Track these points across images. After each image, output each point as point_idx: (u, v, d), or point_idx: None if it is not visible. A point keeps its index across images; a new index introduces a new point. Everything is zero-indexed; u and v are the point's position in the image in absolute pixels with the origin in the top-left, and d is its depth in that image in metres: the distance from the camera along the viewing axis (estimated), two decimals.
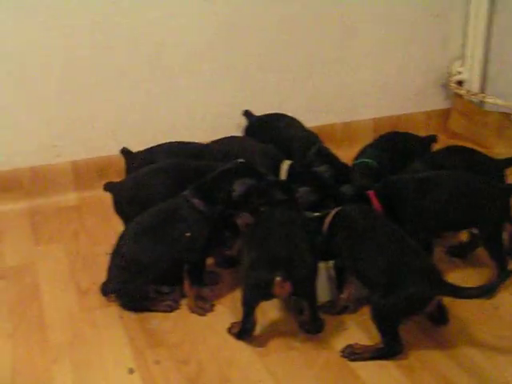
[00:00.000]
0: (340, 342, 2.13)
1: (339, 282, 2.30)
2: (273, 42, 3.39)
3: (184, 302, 2.34)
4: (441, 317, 2.19)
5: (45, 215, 3.04)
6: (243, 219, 2.37)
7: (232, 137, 3.07)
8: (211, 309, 2.31)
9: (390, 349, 2.06)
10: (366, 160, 2.79)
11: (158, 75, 3.23)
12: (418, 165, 2.66)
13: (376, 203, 2.37)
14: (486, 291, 2.05)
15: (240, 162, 2.37)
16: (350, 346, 2.10)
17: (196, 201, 2.27)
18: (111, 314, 2.31)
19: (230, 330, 2.19)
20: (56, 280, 2.53)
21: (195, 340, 2.18)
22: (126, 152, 2.80)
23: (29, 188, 3.14)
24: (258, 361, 2.07)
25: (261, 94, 3.44)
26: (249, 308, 2.10)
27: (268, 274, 2.01)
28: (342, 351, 2.09)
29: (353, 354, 2.08)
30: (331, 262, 2.29)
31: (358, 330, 2.18)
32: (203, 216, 2.26)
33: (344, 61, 3.59)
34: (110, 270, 2.32)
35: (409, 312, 2.06)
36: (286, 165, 2.70)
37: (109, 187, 2.59)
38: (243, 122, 3.31)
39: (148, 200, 2.43)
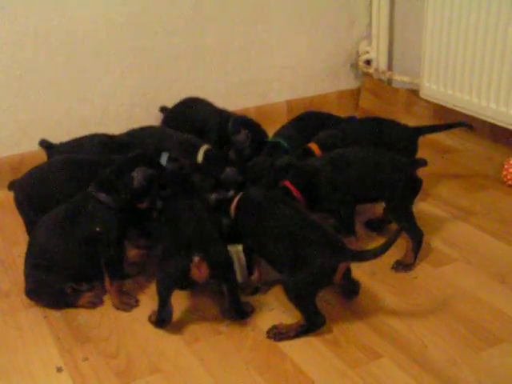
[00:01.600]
0: (266, 323, 2.17)
1: (249, 264, 2.34)
2: (184, 28, 3.38)
3: (108, 297, 2.32)
4: (353, 289, 2.27)
5: None
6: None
7: (148, 127, 3.06)
8: (136, 303, 2.29)
9: (312, 323, 2.11)
10: (278, 139, 2.89)
11: (65, 69, 3.18)
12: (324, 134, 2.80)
13: (295, 191, 2.41)
14: (382, 249, 2.09)
15: (137, 152, 2.35)
16: (274, 327, 2.14)
17: (100, 195, 2.24)
18: (35, 315, 2.28)
19: (149, 318, 2.20)
20: None
21: (123, 333, 2.17)
22: (45, 144, 2.74)
23: None
24: (187, 348, 2.09)
25: (174, 82, 3.44)
26: (164, 296, 2.11)
27: (184, 256, 2.03)
28: (268, 332, 2.13)
29: (278, 334, 2.12)
30: (240, 245, 2.32)
31: (283, 309, 2.23)
32: (111, 209, 2.24)
33: (255, 45, 3.62)
34: (25, 269, 2.29)
35: (319, 285, 2.11)
36: (202, 150, 2.72)
37: (10, 185, 2.58)
38: (158, 112, 3.31)
39: (46, 196, 2.43)
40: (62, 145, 2.75)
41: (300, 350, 2.07)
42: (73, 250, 2.24)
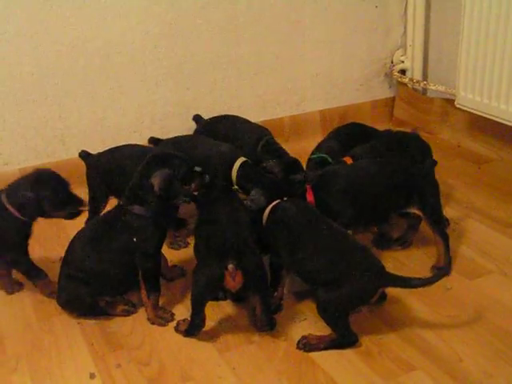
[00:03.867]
0: (299, 333, 2.16)
1: (273, 280, 2.31)
2: (218, 38, 3.39)
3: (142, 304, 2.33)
4: (382, 295, 2.24)
5: None
6: None
7: (184, 136, 3.07)
8: (172, 318, 2.27)
9: (343, 339, 2.09)
10: (322, 155, 2.79)
11: (100, 78, 3.21)
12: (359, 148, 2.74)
13: (310, 196, 2.40)
14: (427, 282, 2.10)
15: (150, 156, 2.31)
16: (304, 338, 2.13)
17: (133, 207, 2.23)
18: (69, 321, 2.30)
19: (176, 328, 2.20)
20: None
21: (155, 341, 2.19)
22: (84, 155, 2.76)
23: None
24: (219, 357, 2.09)
25: (209, 92, 3.45)
26: (198, 305, 2.10)
27: (219, 265, 2.02)
28: (298, 343, 2.12)
29: (308, 345, 2.11)
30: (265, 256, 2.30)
31: (316, 319, 2.20)
32: (146, 219, 2.22)
33: (290, 55, 3.61)
34: (60, 280, 2.31)
35: (354, 305, 2.11)
36: (237, 164, 2.68)
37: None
38: (191, 121, 3.32)
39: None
40: (100, 154, 2.77)
41: (332, 360, 2.06)
42: (109, 263, 2.24)
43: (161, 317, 2.27)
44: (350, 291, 2.02)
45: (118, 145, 2.79)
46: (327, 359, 2.06)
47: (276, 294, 2.31)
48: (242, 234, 2.13)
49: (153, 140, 3.05)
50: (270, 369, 2.04)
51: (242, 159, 2.69)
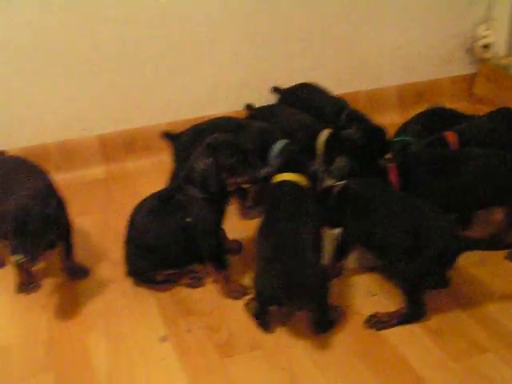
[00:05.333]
0: (369, 309, 2.15)
1: (340, 251, 2.30)
2: (295, 10, 3.36)
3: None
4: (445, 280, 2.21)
5: (73, 189, 3.06)
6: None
7: (269, 106, 3.07)
8: (245, 291, 2.25)
9: (414, 312, 2.07)
10: (406, 138, 2.69)
11: (179, 48, 3.23)
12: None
13: (394, 176, 2.35)
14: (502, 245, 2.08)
15: (208, 140, 2.26)
16: (374, 316, 2.11)
17: (188, 187, 2.23)
18: (142, 285, 2.35)
19: (246, 305, 2.18)
20: (88, 252, 2.57)
21: (225, 308, 2.21)
22: (168, 135, 2.78)
23: (57, 162, 3.19)
24: (289, 327, 2.09)
25: (285, 64, 3.43)
26: (261, 308, 2.09)
27: (278, 296, 1.96)
28: (367, 321, 2.10)
29: (378, 323, 2.09)
30: (337, 230, 2.29)
31: (385, 295, 2.20)
32: (200, 200, 2.22)
33: (368, 27, 3.55)
34: (125, 254, 2.35)
35: (438, 271, 2.08)
36: (323, 135, 2.67)
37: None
38: (267, 92, 3.31)
39: None
40: (184, 133, 2.78)
41: (402, 337, 2.04)
42: (166, 238, 2.26)
43: (235, 290, 2.27)
44: (433, 256, 1.99)
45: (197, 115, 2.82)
46: (396, 336, 2.05)
47: (340, 263, 2.32)
48: (304, 256, 2.01)
49: (249, 107, 3.07)
50: (340, 342, 2.03)
51: (328, 130, 2.68)
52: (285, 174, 2.22)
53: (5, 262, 2.51)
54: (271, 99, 3.30)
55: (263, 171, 2.26)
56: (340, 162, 2.35)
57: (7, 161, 2.57)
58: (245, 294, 2.25)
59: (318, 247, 2.10)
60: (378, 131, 2.66)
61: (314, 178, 2.28)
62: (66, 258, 2.41)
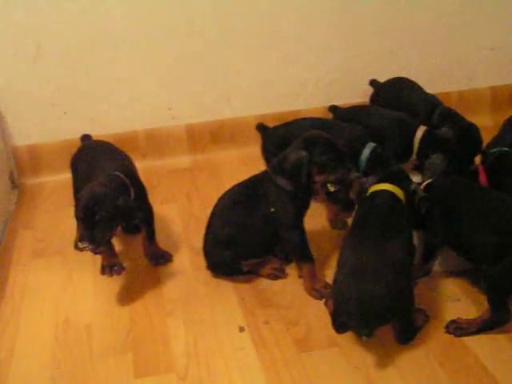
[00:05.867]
0: (451, 314, 2.10)
1: (425, 254, 2.24)
2: (390, 6, 3.30)
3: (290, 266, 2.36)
4: None
5: (159, 176, 3.14)
6: None
7: (358, 106, 3.04)
8: (329, 294, 2.18)
9: (497, 318, 2.00)
10: (505, 149, 2.49)
11: (271, 42, 3.24)
12: None
13: (483, 177, 2.29)
14: None
15: (305, 134, 2.26)
16: (454, 322, 2.05)
17: (277, 177, 2.22)
18: (222, 275, 2.37)
19: (326, 303, 2.14)
20: (171, 240, 2.62)
21: (304, 302, 2.21)
22: (261, 128, 2.80)
23: (144, 149, 3.26)
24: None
25: (376, 60, 3.38)
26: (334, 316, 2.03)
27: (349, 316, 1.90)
28: (447, 327, 2.05)
29: (458, 329, 2.03)
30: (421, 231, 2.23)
31: (469, 301, 2.15)
32: (286, 192, 2.20)
33: (465, 26, 3.44)
34: (204, 245, 2.36)
35: None
36: (419, 132, 2.63)
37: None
38: (357, 88, 3.27)
39: None
40: (277, 127, 2.79)
41: (484, 345, 1.98)
42: (249, 228, 2.26)
43: (317, 289, 2.24)
44: None
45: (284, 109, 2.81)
46: (478, 343, 1.99)
47: (428, 265, 2.27)
48: (394, 288, 1.90)
49: (333, 108, 3.03)
50: (420, 346, 1.99)
51: (423, 127, 2.64)
52: (383, 184, 2.17)
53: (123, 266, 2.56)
54: (359, 97, 3.27)
55: (359, 179, 2.25)
56: (435, 159, 2.29)
57: (93, 145, 2.65)
58: (326, 297, 2.18)
59: (407, 267, 2.01)
60: (472, 130, 2.59)
61: (413, 194, 2.19)
62: (149, 243, 2.46)
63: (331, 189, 2.25)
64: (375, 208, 2.11)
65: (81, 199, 2.14)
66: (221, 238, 2.29)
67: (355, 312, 1.86)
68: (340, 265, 2.01)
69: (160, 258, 2.48)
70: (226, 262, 2.31)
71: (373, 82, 3.22)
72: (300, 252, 2.26)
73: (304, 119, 2.80)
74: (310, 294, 2.24)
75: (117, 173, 2.28)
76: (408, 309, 1.97)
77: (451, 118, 2.73)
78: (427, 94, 3.02)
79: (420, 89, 3.05)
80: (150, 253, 2.48)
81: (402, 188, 2.15)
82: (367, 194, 2.18)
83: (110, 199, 2.12)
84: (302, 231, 2.26)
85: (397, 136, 2.65)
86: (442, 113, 2.79)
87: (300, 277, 2.30)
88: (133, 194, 2.26)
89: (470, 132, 2.57)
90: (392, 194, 2.13)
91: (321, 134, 2.25)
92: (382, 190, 2.14)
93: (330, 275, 2.18)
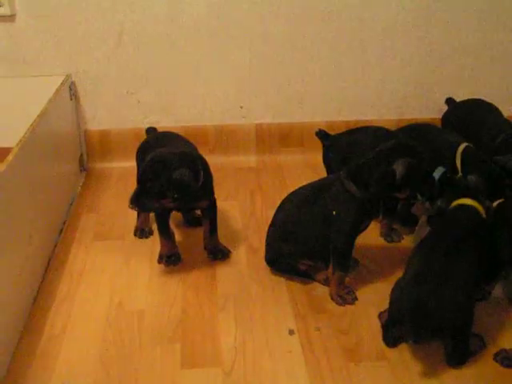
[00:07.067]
0: (507, 341, 2.03)
1: (489, 274, 2.16)
2: (474, 21, 3.22)
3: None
4: None
5: (225, 173, 3.15)
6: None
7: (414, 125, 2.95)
8: (353, 301, 2.21)
9: None
10: None
11: (351, 48, 3.22)
12: None
13: None
14: None
15: (398, 141, 2.23)
16: (504, 351, 1.97)
17: (348, 182, 2.18)
18: (277, 276, 2.37)
19: (379, 315, 2.12)
20: (230, 236, 2.62)
21: (357, 312, 2.18)
22: (321, 135, 2.76)
23: (213, 145, 3.29)
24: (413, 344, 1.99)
25: (455, 77, 3.31)
26: (386, 327, 2.02)
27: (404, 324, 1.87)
28: (496, 355, 1.97)
29: (505, 359, 1.95)
30: None
31: None
32: (353, 198, 2.17)
33: None
34: (267, 238, 2.37)
35: None
36: (460, 148, 2.52)
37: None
38: (429, 104, 3.22)
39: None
40: (340, 135, 2.76)
41: None
42: (308, 226, 2.25)
43: (340, 295, 2.23)
44: None
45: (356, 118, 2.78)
46: None
47: (488, 289, 2.20)
48: (441, 295, 1.85)
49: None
50: (470, 369, 1.93)
51: (465, 144, 2.54)
52: (465, 199, 2.14)
53: (152, 231, 2.62)
54: (432, 112, 3.21)
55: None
56: (470, 180, 2.25)
57: (161, 135, 2.68)
58: (349, 303, 2.21)
59: (472, 284, 1.96)
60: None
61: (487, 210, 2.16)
62: (210, 236, 2.47)
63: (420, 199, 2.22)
64: (455, 220, 2.09)
65: (144, 162, 2.22)
66: (282, 232, 2.30)
67: (409, 315, 1.82)
68: (405, 271, 1.99)
69: (219, 252, 2.48)
70: (284, 257, 2.31)
71: (448, 100, 3.15)
72: (340, 259, 2.23)
73: (367, 128, 2.75)
74: (333, 299, 2.23)
75: (190, 151, 2.32)
76: (464, 327, 1.91)
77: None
78: (501, 118, 2.89)
79: (496, 112, 2.93)
80: (209, 246, 2.49)
81: (480, 203, 2.12)
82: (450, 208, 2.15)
83: (168, 169, 2.16)
84: (352, 241, 2.24)
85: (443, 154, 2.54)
86: (505, 140, 2.63)
87: (323, 280, 2.30)
88: (202, 179, 2.26)
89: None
90: (475, 209, 2.10)
91: (410, 145, 2.21)
92: (464, 205, 2.12)
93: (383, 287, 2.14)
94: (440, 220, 2.16)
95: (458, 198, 2.15)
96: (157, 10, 3.06)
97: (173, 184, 2.17)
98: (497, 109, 2.96)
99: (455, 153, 2.52)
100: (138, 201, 2.20)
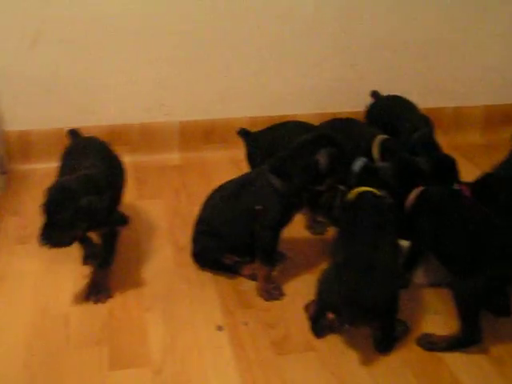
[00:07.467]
0: (430, 327, 2.10)
1: (408, 262, 2.26)
2: (390, 19, 3.32)
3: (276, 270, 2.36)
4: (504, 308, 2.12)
5: (148, 171, 3.14)
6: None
7: (335, 119, 3.00)
8: (279, 297, 2.24)
9: (467, 337, 1.98)
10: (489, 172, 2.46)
11: (271, 44, 3.24)
12: None
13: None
14: None
15: (320, 133, 2.28)
16: (426, 335, 2.05)
17: (271, 176, 2.21)
18: (205, 272, 2.37)
19: (306, 308, 2.15)
20: (155, 235, 2.62)
21: (284, 306, 2.21)
22: (243, 132, 2.78)
23: (136, 144, 3.26)
24: (343, 334, 2.06)
25: (373, 72, 3.39)
26: (319, 313, 2.04)
27: (340, 308, 1.91)
28: (419, 339, 2.04)
29: (428, 343, 2.03)
30: (405, 242, 2.24)
31: (448, 315, 2.12)
32: (277, 192, 2.19)
33: (468, 42, 3.46)
34: (193, 233, 2.38)
35: (489, 294, 1.97)
36: (377, 140, 2.60)
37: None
38: (350, 98, 3.28)
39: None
40: (260, 132, 2.78)
41: (460, 362, 1.98)
42: (233, 221, 2.27)
43: (267, 291, 2.25)
44: (489, 277, 1.91)
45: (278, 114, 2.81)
46: (455, 360, 1.98)
47: (407, 274, 2.28)
48: (374, 277, 1.90)
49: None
50: (396, 355, 1.99)
51: (381, 136, 2.62)
52: (365, 188, 2.18)
53: None
54: (355, 106, 3.27)
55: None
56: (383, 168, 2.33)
57: (86, 142, 2.51)
58: (275, 298, 2.23)
59: (395, 262, 2.05)
60: (448, 162, 2.51)
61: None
62: (98, 271, 2.27)
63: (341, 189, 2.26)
64: (360, 209, 2.14)
65: (46, 194, 2.04)
66: (207, 227, 2.31)
67: (343, 299, 1.87)
68: (332, 263, 2.04)
69: (98, 293, 2.23)
70: (209, 252, 2.32)
71: (374, 94, 3.21)
72: (266, 254, 2.25)
73: (288, 123, 2.78)
74: (260, 295, 2.25)
75: (93, 172, 2.16)
76: (393, 314, 1.97)
77: (426, 146, 2.66)
78: (418, 114, 2.96)
79: (413, 108, 3.00)
80: (91, 282, 2.26)
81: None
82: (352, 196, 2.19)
83: (73, 199, 2.01)
84: (277, 235, 2.25)
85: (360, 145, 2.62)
86: (418, 138, 2.70)
87: (249, 275, 2.32)
88: (107, 198, 2.11)
89: (445, 164, 2.48)
90: (374, 194, 2.16)
91: (331, 135, 2.24)
92: (365, 191, 2.17)
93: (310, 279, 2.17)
94: (350, 208, 2.19)
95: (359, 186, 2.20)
96: (75, 8, 2.99)
97: (81, 212, 2.02)
98: (415, 106, 3.03)
99: (371, 144, 2.60)
100: (51, 236, 2.00)
